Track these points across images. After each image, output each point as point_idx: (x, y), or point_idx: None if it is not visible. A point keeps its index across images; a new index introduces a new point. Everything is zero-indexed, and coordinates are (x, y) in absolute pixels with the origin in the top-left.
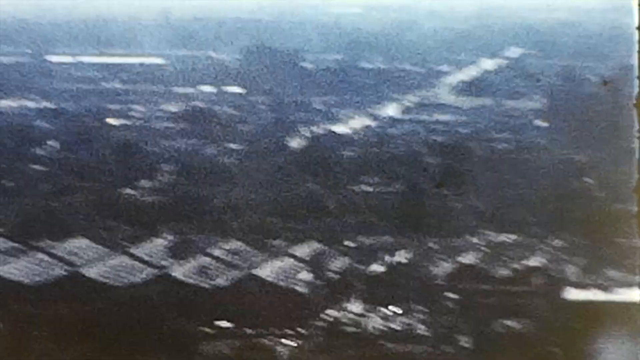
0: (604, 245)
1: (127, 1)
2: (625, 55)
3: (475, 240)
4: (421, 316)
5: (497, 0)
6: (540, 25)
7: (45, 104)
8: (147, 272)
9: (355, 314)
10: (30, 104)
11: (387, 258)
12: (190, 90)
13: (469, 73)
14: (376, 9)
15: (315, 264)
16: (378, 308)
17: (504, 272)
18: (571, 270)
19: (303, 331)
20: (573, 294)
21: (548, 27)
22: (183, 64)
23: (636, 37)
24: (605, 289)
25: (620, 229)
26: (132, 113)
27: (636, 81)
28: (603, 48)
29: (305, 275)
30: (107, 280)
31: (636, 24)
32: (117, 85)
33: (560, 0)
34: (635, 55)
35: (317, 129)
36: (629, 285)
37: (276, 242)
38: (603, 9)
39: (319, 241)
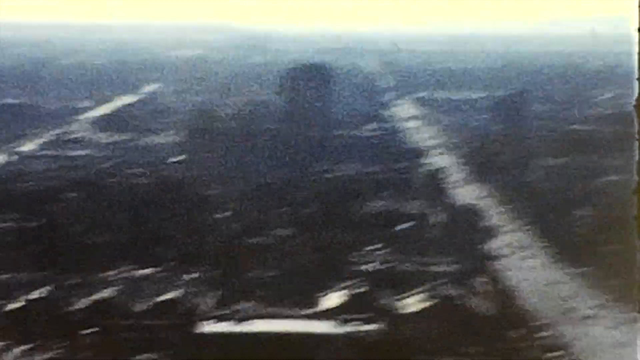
0: (237, 277)
1: None
2: (261, 92)
3: (113, 275)
4: (60, 351)
5: (125, 36)
6: (175, 61)
7: None
8: None
9: None
10: None
11: (24, 295)
12: None
13: (107, 108)
14: (14, 45)
15: None
16: (14, 346)
17: (141, 306)
18: (205, 303)
19: None
20: (207, 327)
21: (183, 63)
22: None
23: (636, 39)
24: (238, 321)
25: (253, 260)
26: None
27: (636, 82)
28: (235, 84)
29: None
30: None
31: (636, 27)
32: None
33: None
34: (635, 56)
35: None
36: (263, 317)
37: None
38: (236, 46)
39: None
